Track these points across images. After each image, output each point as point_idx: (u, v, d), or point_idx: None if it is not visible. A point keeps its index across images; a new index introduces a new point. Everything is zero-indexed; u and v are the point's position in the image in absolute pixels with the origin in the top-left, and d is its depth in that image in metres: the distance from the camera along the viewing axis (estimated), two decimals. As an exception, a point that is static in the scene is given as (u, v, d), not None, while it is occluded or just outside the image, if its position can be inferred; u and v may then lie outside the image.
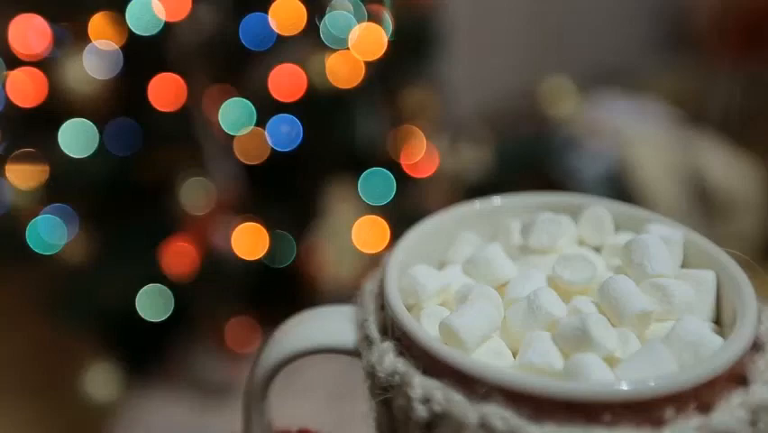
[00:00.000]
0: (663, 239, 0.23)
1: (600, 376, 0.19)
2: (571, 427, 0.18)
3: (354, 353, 0.23)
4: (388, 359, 0.20)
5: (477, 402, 0.18)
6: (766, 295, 0.22)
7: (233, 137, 0.84)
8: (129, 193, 0.85)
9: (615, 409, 0.18)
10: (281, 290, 0.90)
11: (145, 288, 0.83)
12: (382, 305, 0.22)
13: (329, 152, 0.89)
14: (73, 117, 0.81)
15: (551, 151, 1.01)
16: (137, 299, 0.83)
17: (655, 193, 1.00)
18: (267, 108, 0.84)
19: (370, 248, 0.90)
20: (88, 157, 0.82)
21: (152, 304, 0.84)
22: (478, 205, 0.26)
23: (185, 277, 0.83)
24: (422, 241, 0.25)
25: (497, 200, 0.27)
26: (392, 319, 0.21)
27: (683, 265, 0.23)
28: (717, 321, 0.22)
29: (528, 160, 0.99)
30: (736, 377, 0.19)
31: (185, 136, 0.84)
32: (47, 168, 0.83)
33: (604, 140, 1.05)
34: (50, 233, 0.83)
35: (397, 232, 0.91)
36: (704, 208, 1.03)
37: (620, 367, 0.19)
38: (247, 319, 0.90)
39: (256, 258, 0.85)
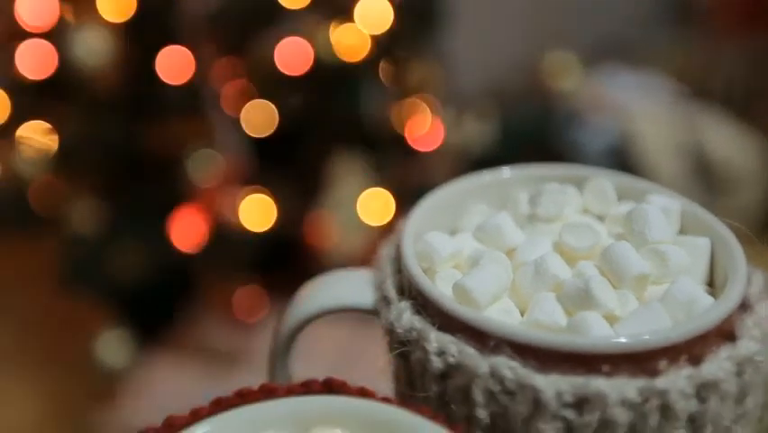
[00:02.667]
0: (662, 208, 0.25)
1: (601, 331, 0.20)
2: (574, 376, 0.19)
3: (372, 312, 0.25)
4: (406, 317, 0.22)
5: (488, 355, 0.20)
6: (766, 266, 0.24)
7: (240, 109, 0.85)
8: (138, 165, 0.86)
9: (613, 361, 0.19)
10: (288, 260, 0.92)
11: (154, 258, 0.85)
12: (399, 268, 0.24)
13: (335, 124, 0.90)
14: (82, 89, 0.82)
15: (554, 125, 1.02)
16: (147, 269, 0.85)
17: (657, 167, 1.01)
18: (273, 81, 0.85)
19: (374, 220, 0.92)
20: (98, 129, 0.83)
21: (162, 274, 0.86)
22: (487, 176, 0.28)
23: (193, 247, 0.85)
24: (435, 209, 0.26)
25: (505, 171, 0.28)
26: (409, 281, 0.23)
27: (680, 232, 0.25)
28: (711, 284, 0.24)
29: (532, 133, 1.00)
30: (726, 333, 0.21)
31: (193, 108, 0.85)
32: (57, 139, 0.84)
33: (607, 114, 1.06)
34: (59, 202, 0.85)
35: (401, 205, 0.93)
36: (705, 182, 1.04)
37: (619, 324, 0.21)
38: (254, 289, 0.92)
39: (263, 229, 0.87)
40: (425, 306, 0.22)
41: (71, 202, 0.86)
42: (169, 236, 0.85)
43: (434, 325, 0.21)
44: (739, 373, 0.20)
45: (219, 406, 0.20)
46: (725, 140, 1.06)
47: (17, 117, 0.86)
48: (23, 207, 0.86)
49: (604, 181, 0.26)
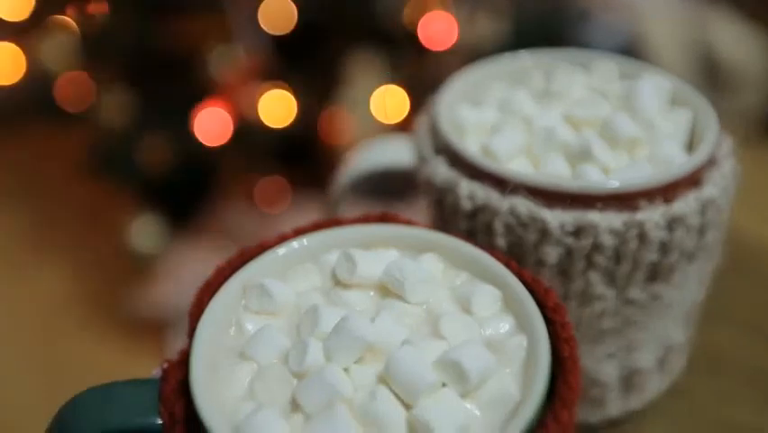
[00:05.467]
0: (655, 86, 0.29)
1: (596, 178, 0.26)
2: (574, 211, 0.25)
3: (411, 172, 0.30)
4: (442, 169, 0.27)
5: (507, 196, 0.26)
6: (765, 167, 0.28)
7: (258, 6, 0.87)
8: (161, 60, 0.89)
9: (604, 200, 0.25)
10: (306, 154, 0.97)
11: (179, 148, 0.90)
12: (433, 135, 0.29)
13: (351, 23, 0.92)
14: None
15: (565, 24, 1.04)
16: (173, 160, 0.90)
17: (665, 65, 1.04)
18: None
19: (389, 117, 0.96)
20: (121, 24, 0.86)
21: (187, 165, 0.91)
22: (507, 59, 0.33)
23: (216, 140, 0.90)
24: (463, 86, 0.31)
25: (523, 54, 0.33)
26: (444, 142, 0.28)
27: (670, 105, 0.30)
28: (692, 148, 0.29)
29: (544, 32, 1.02)
30: (696, 182, 0.26)
31: (213, 5, 0.87)
32: (79, 31, 0.87)
33: (617, 13, 1.07)
34: (85, 96, 0.89)
35: (415, 102, 0.96)
36: (711, 81, 1.07)
37: (612, 174, 0.26)
38: (275, 180, 0.98)
39: (283, 125, 0.91)
40: (457, 161, 0.27)
41: (99, 96, 0.90)
42: (193, 129, 0.89)
43: (464, 175, 0.27)
44: (702, 212, 0.26)
45: (299, 232, 0.25)
46: (733, 40, 1.08)
47: (42, 12, 0.88)
48: (53, 100, 0.90)
49: (608, 63, 0.31)
